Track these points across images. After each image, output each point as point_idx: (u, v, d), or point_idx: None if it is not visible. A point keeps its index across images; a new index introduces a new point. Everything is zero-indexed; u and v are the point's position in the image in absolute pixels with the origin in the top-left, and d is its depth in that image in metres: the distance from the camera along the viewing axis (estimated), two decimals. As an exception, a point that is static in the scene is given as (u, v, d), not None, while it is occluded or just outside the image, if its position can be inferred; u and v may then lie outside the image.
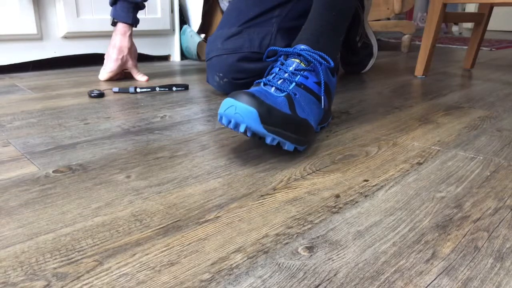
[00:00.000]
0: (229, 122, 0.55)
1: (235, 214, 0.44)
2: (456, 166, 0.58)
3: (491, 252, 0.38)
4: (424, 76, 1.32)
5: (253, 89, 0.59)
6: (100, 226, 0.41)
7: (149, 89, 1.03)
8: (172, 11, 1.52)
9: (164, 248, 0.38)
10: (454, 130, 0.75)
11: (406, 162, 0.59)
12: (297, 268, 0.35)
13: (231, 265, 0.35)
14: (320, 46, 0.67)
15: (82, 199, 0.47)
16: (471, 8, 3.63)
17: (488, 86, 1.18)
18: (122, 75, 1.19)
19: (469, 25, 3.82)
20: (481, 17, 1.40)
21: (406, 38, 2.06)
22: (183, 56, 1.64)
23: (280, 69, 0.65)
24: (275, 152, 0.62)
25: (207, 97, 0.99)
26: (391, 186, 0.51)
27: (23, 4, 1.18)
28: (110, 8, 1.14)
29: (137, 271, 0.34)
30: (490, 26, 3.89)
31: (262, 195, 0.48)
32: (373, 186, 0.51)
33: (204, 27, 1.66)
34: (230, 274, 0.34)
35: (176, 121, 0.78)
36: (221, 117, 0.56)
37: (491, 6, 1.39)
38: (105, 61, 1.15)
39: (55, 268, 0.34)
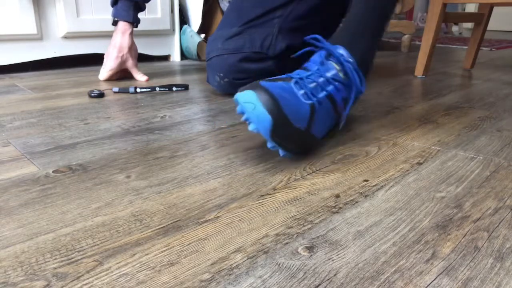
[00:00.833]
0: (242, 113, 0.54)
1: (235, 214, 0.44)
2: (456, 166, 0.58)
3: (491, 252, 0.38)
4: (424, 76, 1.32)
5: (280, 85, 0.56)
6: (100, 226, 0.41)
7: (149, 89, 1.03)
8: (172, 11, 1.52)
9: (164, 248, 0.38)
10: (454, 130, 0.75)
11: (406, 162, 0.59)
12: (297, 268, 0.35)
13: (231, 265, 0.35)
14: (358, 51, 0.65)
15: (82, 199, 0.47)
16: (471, 8, 3.63)
17: (488, 86, 1.18)
18: (121, 74, 1.19)
19: (469, 25, 3.82)
20: (481, 17, 1.40)
21: (406, 38, 2.06)
22: (183, 56, 1.64)
23: (318, 69, 0.62)
24: (275, 152, 0.62)
25: (207, 97, 0.99)
26: (391, 186, 0.51)
27: (23, 4, 1.18)
28: (111, 8, 1.14)
29: (137, 271, 0.34)
30: (490, 26, 3.89)
31: (262, 195, 0.48)
32: (373, 186, 0.51)
33: (204, 27, 1.65)
34: (230, 274, 0.34)
35: (176, 121, 0.78)
36: (237, 103, 0.55)
37: (491, 6, 1.39)
38: (104, 60, 1.15)
39: (55, 268, 0.34)
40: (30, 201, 0.46)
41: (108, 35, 1.33)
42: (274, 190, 0.50)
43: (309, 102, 0.58)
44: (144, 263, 0.35)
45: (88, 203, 0.46)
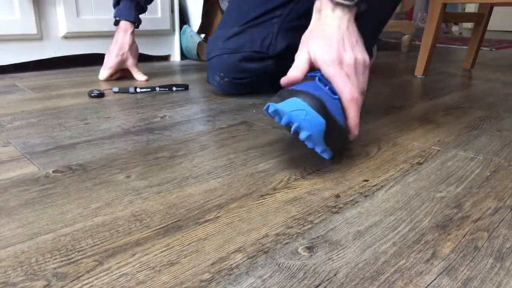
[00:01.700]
0: (290, 122, 0.50)
1: (235, 214, 0.44)
2: (456, 166, 0.58)
3: (491, 252, 0.38)
4: (424, 76, 1.32)
5: (313, 85, 0.54)
6: (100, 226, 0.41)
7: (149, 89, 1.03)
8: (172, 11, 1.52)
9: (164, 248, 0.38)
10: (454, 130, 0.75)
11: (406, 162, 0.59)
12: (297, 268, 0.35)
13: (231, 265, 0.35)
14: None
15: (82, 199, 0.47)
16: (471, 8, 3.63)
17: (488, 86, 1.18)
18: (121, 74, 1.19)
19: (469, 25, 3.82)
20: (481, 17, 1.40)
21: (406, 38, 2.06)
22: (183, 56, 1.64)
23: None
24: (275, 152, 0.62)
25: (207, 97, 0.99)
26: (391, 186, 0.51)
27: (23, 4, 1.18)
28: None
29: (137, 271, 0.34)
30: (490, 26, 3.88)
31: (262, 195, 0.48)
32: (373, 186, 0.51)
33: (204, 27, 1.65)
34: (230, 274, 0.34)
35: (176, 121, 0.78)
36: (282, 115, 0.51)
37: (491, 6, 1.39)
38: (105, 59, 1.15)
39: (55, 268, 0.34)
40: (30, 201, 0.46)
41: (108, 35, 1.33)
42: (274, 190, 0.50)
43: (336, 97, 0.56)
44: (144, 263, 0.35)
45: (88, 203, 0.46)
